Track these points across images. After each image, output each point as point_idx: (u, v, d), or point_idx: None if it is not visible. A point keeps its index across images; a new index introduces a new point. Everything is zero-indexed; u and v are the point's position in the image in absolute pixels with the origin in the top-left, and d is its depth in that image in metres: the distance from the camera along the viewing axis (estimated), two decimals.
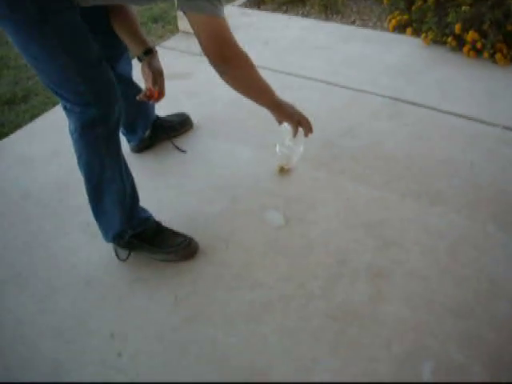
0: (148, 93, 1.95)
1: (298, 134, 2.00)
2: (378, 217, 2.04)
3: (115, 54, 2.06)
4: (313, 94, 2.76)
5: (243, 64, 1.71)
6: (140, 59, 1.98)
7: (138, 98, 1.94)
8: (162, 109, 2.44)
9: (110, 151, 1.77)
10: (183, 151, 2.43)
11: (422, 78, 2.83)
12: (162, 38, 3.48)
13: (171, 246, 1.92)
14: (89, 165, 1.77)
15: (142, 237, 1.91)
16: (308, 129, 1.98)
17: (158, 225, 1.96)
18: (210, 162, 2.38)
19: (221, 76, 1.69)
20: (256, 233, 2.03)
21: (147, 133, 2.39)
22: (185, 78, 2.95)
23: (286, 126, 2.04)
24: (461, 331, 1.66)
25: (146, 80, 1.99)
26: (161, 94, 1.98)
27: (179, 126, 2.53)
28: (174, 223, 2.01)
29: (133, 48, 1.98)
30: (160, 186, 2.26)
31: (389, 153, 2.34)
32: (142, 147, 2.43)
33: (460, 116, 2.51)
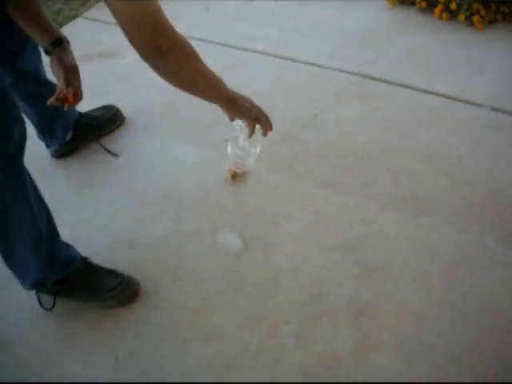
0: (61, 95, 1.52)
1: (255, 132, 1.61)
2: (355, 234, 1.69)
3: (15, 46, 1.62)
4: (264, 71, 2.36)
5: (184, 56, 1.29)
6: (48, 52, 1.53)
7: (48, 102, 1.51)
8: (85, 100, 1.99)
9: (13, 185, 1.35)
10: (115, 155, 2.01)
11: (390, 47, 2.44)
12: (85, 5, 2.96)
13: (106, 290, 1.54)
14: None
15: (68, 281, 1.53)
16: (267, 127, 1.60)
17: (86, 263, 1.57)
18: (147, 167, 1.97)
19: (156, 72, 1.28)
20: (209, 262, 1.66)
21: (69, 135, 1.97)
22: (112, 58, 2.47)
23: (240, 124, 1.65)
24: None
25: (57, 79, 1.55)
26: (77, 97, 1.56)
27: (108, 122, 2.10)
28: (107, 255, 1.64)
29: (37, 38, 1.53)
30: (88, 203, 1.85)
31: (361, 147, 1.97)
32: (63, 152, 2.00)
33: (439, 95, 2.15)
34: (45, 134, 1.91)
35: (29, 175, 1.40)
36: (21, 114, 1.32)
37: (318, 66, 2.36)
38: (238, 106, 1.53)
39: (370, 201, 1.77)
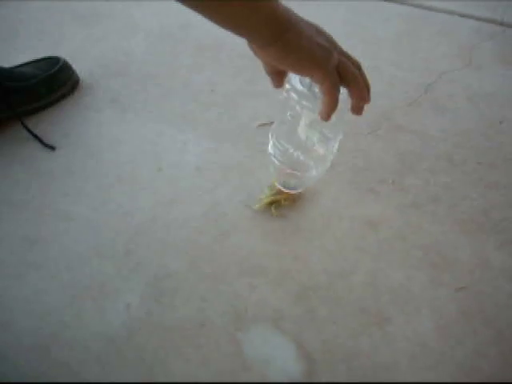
0: None
1: (338, 106, 0.66)
2: None
3: None
4: (332, 12, 1.39)
5: None
6: None
7: None
8: (17, 49, 1.08)
9: None
10: (49, 146, 1.05)
11: None
12: None
13: None
14: None
15: None
16: (364, 91, 0.66)
17: None
18: (105, 174, 1.00)
19: None
20: None
21: None
22: None
23: (299, 88, 0.72)
24: None
25: None
26: None
27: (44, 87, 1.13)
28: None
29: None
30: None
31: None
32: None
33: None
34: None
35: None
36: None
37: (420, 7, 1.39)
38: (300, 44, 0.60)
39: None
